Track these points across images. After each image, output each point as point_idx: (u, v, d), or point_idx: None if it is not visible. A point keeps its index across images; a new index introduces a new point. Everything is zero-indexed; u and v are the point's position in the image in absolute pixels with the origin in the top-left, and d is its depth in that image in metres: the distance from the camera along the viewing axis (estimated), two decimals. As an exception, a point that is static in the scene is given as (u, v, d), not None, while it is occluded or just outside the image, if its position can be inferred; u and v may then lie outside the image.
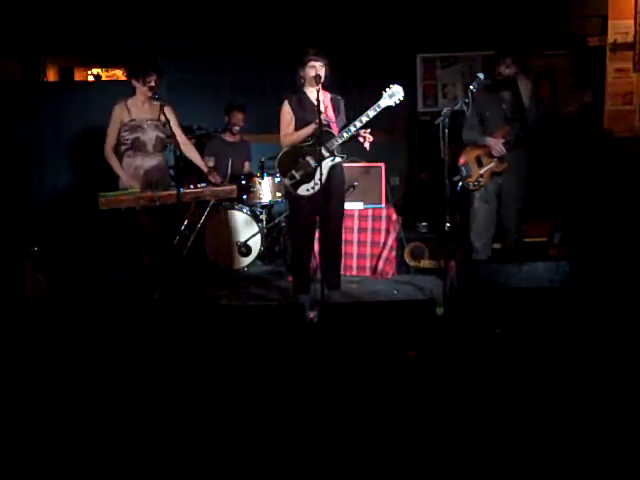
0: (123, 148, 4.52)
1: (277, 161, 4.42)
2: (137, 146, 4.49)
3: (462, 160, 4.58)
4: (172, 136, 4.20)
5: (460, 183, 4.56)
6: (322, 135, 4.14)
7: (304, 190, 4.33)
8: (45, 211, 5.94)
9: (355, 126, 4.19)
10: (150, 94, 4.40)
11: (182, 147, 4.48)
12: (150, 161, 4.54)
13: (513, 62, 4.46)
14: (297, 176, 4.32)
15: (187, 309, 4.01)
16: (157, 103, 4.35)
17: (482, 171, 4.59)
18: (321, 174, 4.09)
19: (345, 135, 4.22)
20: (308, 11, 5.87)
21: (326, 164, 4.24)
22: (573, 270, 3.87)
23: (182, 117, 5.65)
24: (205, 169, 4.74)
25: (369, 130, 4.23)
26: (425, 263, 5.38)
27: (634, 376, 2.99)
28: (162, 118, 4.35)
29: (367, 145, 4.24)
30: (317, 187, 4.23)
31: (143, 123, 4.48)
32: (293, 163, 4.34)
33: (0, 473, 2.43)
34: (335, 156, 4.28)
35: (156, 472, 2.43)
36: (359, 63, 6.16)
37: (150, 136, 4.50)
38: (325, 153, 4.22)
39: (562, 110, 4.55)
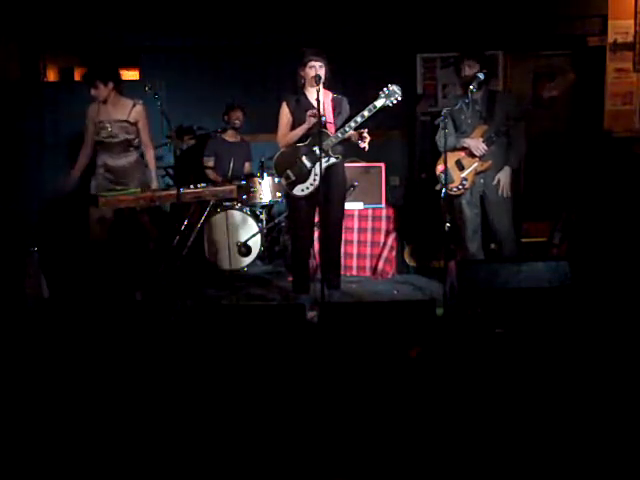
0: (97, 147, 4.59)
1: (274, 161, 4.43)
2: (103, 145, 4.56)
3: (440, 168, 4.46)
4: (171, 137, 4.21)
5: (443, 191, 4.41)
6: (318, 135, 4.12)
7: (299, 190, 4.33)
8: (45, 211, 5.93)
9: (350, 126, 4.17)
10: (115, 92, 4.47)
11: (142, 147, 4.55)
12: (114, 161, 4.58)
13: (476, 62, 4.42)
14: (292, 176, 4.32)
15: (187, 309, 4.01)
16: (130, 103, 4.39)
17: (464, 174, 4.54)
18: (315, 175, 4.08)
19: (340, 135, 4.20)
20: (308, 11, 5.86)
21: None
22: (573, 270, 3.87)
23: (182, 117, 5.65)
24: (153, 170, 4.69)
25: (366, 130, 4.20)
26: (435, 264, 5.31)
27: (634, 376, 2.99)
28: (130, 118, 4.40)
29: (364, 145, 4.20)
30: (312, 187, 4.24)
31: (107, 123, 4.52)
32: (289, 163, 4.34)
33: (0, 473, 2.43)
34: (330, 156, 4.26)
35: (157, 471, 2.43)
36: (359, 63, 6.15)
37: (114, 135, 4.52)
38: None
39: (546, 96, 4.51)
